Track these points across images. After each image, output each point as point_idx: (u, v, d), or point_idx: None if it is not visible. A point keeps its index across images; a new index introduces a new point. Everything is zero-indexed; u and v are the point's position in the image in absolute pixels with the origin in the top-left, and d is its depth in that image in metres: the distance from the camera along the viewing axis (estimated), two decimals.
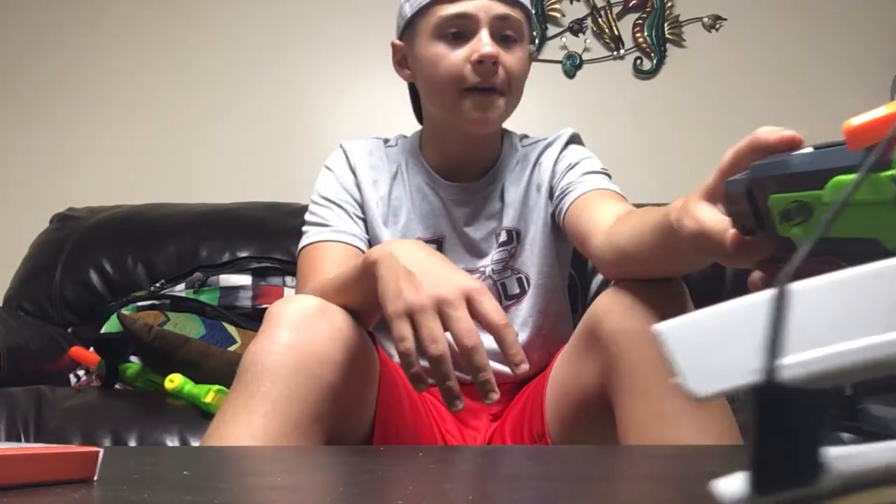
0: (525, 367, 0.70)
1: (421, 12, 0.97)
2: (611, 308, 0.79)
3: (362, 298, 0.80)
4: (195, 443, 1.20)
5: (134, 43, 2.12)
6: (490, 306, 0.71)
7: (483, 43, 0.93)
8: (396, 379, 0.91)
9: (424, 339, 0.69)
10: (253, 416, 0.71)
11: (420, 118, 1.10)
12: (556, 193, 1.03)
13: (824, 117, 2.07)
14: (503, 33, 0.96)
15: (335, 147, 1.12)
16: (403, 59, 1.03)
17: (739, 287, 1.72)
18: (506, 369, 1.01)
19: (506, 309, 1.04)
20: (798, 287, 0.23)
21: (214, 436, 0.73)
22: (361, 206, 1.04)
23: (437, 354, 0.69)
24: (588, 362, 0.83)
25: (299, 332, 0.74)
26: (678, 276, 0.80)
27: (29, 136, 2.10)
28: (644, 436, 0.73)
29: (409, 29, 1.01)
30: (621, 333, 0.76)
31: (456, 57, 0.95)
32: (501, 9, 0.95)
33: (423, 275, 0.72)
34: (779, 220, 0.42)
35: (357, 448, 0.78)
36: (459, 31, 0.95)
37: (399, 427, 0.89)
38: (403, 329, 0.70)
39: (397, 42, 1.04)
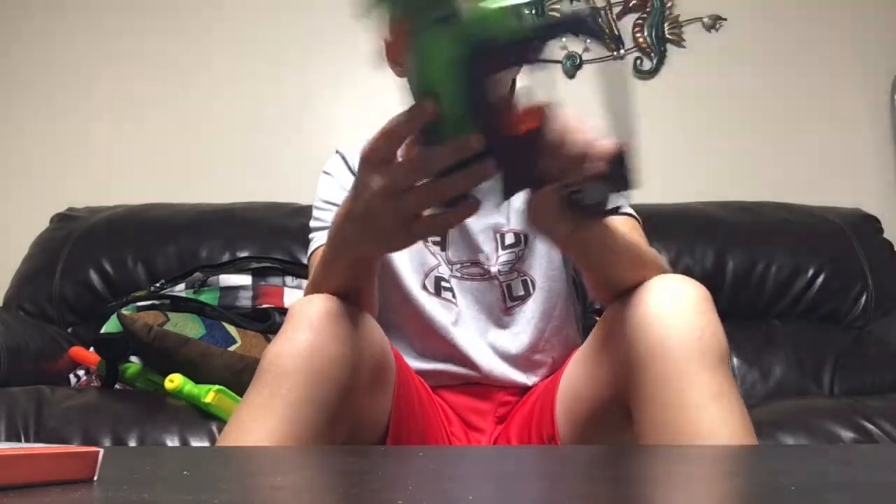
0: None
1: None
2: (625, 306, 0.80)
3: (346, 267, 0.79)
4: (195, 443, 1.20)
5: (134, 43, 2.12)
6: None
7: None
8: (411, 382, 0.91)
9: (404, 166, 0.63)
10: (273, 417, 0.72)
11: None
12: None
13: (824, 117, 2.08)
14: None
15: (336, 147, 1.12)
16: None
17: (740, 285, 1.72)
18: (510, 373, 1.02)
19: (510, 310, 1.04)
20: None
21: (232, 437, 0.73)
22: None
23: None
24: (604, 362, 0.83)
25: (320, 333, 0.74)
26: (638, 275, 0.81)
27: (29, 137, 2.10)
28: (663, 427, 0.73)
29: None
30: (639, 326, 0.77)
31: None
32: None
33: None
34: None
35: (357, 448, 0.79)
36: None
37: (411, 430, 0.89)
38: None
39: (389, 38, 1.00)
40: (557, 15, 2.07)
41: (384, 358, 0.82)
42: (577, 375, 0.91)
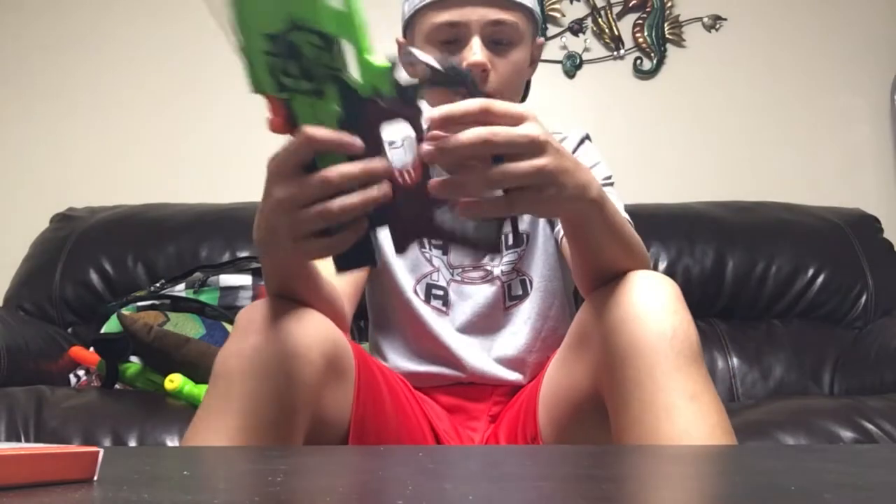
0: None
1: (416, 14, 0.99)
2: (599, 305, 0.79)
3: (272, 270, 0.80)
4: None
5: (134, 42, 2.12)
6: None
7: (472, 52, 0.93)
8: (378, 379, 0.90)
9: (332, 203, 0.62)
10: (228, 416, 0.71)
11: None
12: None
13: (824, 117, 2.08)
14: (496, 38, 0.95)
15: None
16: None
17: (740, 285, 1.72)
18: (505, 374, 1.02)
19: (508, 309, 1.04)
20: None
21: (191, 439, 0.73)
22: None
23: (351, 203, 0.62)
24: (580, 361, 0.83)
25: (264, 334, 0.74)
26: (619, 260, 0.81)
27: (29, 136, 2.10)
28: (639, 429, 0.72)
29: (408, 28, 1.02)
30: (611, 326, 0.76)
31: None
32: (495, 14, 0.94)
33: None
34: None
35: (357, 448, 0.79)
36: (452, 37, 0.95)
37: (380, 427, 0.88)
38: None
39: (401, 39, 1.05)
40: (557, 15, 2.07)
41: (338, 350, 0.81)
42: (556, 375, 0.91)
